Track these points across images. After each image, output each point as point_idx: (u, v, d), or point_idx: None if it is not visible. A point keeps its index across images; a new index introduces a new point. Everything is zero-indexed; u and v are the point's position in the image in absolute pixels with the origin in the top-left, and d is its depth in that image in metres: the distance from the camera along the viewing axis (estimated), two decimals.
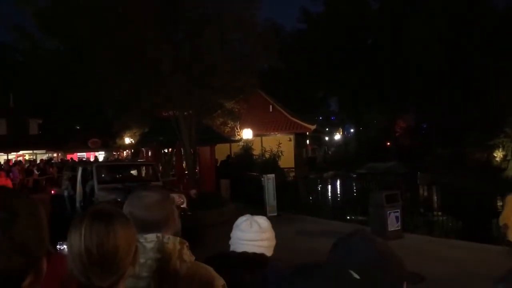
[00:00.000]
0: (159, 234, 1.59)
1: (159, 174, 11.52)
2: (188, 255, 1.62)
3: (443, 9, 28.13)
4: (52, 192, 13.80)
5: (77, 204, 10.71)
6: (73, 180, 11.61)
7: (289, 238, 9.96)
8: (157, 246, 1.56)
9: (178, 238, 1.64)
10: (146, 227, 1.61)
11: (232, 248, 2.11)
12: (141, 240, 1.56)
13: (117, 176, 11.72)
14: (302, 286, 1.09)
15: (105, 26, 13.51)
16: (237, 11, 14.18)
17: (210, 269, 1.67)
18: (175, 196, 9.26)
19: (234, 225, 2.16)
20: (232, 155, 21.32)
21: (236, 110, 20.60)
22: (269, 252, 2.09)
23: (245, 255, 2.02)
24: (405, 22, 30.76)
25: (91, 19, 13.87)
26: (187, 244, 1.65)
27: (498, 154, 25.93)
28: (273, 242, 2.12)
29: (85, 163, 13.51)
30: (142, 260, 1.51)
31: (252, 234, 2.05)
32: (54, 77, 33.06)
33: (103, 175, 11.21)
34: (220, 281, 1.65)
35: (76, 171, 11.39)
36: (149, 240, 1.57)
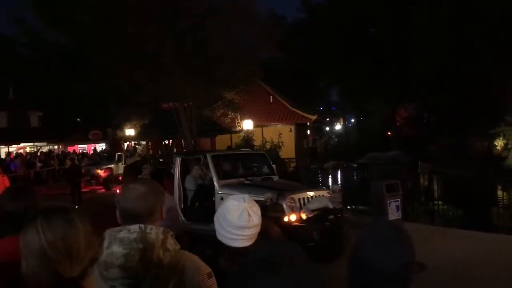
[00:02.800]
0: (141, 225, 1.64)
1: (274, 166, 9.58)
2: (172, 244, 1.66)
3: None
4: (118, 192, 11.47)
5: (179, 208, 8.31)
6: (159, 175, 9.58)
7: None
8: (139, 236, 1.61)
9: (162, 228, 1.68)
10: (130, 218, 1.69)
11: (223, 239, 1.99)
12: (124, 231, 1.62)
13: (233, 168, 9.36)
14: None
15: (106, 18, 13.47)
16: (239, 3, 14.13)
17: (195, 258, 1.72)
18: (324, 193, 7.85)
19: (225, 208, 1.99)
20: (233, 146, 21.34)
21: (237, 101, 20.64)
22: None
23: (246, 250, 1.95)
24: (407, 10, 30.55)
25: (92, 11, 13.83)
26: (171, 233, 1.69)
27: (499, 143, 25.91)
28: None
29: (182, 153, 11.13)
30: (126, 251, 1.57)
31: (250, 230, 1.96)
32: (54, 70, 33.06)
33: (220, 168, 8.89)
34: (205, 269, 1.69)
35: (167, 164, 9.60)
36: (132, 231, 1.62)
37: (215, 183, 8.08)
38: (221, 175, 8.37)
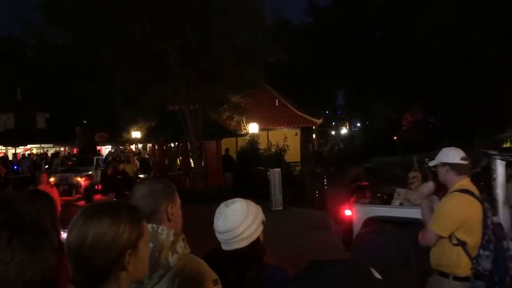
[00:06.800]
0: (154, 225, 1.66)
1: None
2: (182, 247, 1.68)
3: (454, 0, 27.76)
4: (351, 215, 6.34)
5: None
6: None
7: (294, 232, 9.99)
8: (150, 236, 1.59)
9: (173, 230, 1.69)
10: None
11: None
12: None
13: None
14: (313, 284, 1.05)
15: (112, 20, 13.53)
16: (244, 4, 14.17)
17: (203, 263, 1.70)
18: None
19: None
20: (238, 149, 21.33)
21: (242, 104, 20.66)
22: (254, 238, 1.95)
23: (233, 253, 1.94)
24: (413, 14, 30.50)
25: (98, 12, 13.89)
26: (183, 236, 1.71)
27: None
28: (253, 228, 1.95)
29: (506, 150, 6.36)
30: None
31: (226, 234, 1.94)
32: (61, 71, 33.24)
33: None
34: (211, 275, 1.65)
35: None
36: None
37: None
38: None
